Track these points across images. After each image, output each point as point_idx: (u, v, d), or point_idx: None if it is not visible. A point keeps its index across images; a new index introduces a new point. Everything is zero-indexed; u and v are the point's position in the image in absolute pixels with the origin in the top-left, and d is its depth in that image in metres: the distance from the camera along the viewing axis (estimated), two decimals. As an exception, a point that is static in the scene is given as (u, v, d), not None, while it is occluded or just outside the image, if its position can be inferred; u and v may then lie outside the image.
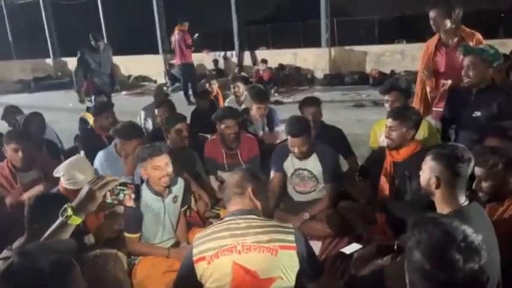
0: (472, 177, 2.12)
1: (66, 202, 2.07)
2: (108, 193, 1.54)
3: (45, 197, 2.21)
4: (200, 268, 1.81)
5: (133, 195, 1.56)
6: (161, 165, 2.54)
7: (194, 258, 1.82)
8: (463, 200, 1.86)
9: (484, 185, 2.12)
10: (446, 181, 1.86)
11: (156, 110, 4.47)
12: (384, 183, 2.81)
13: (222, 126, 3.55)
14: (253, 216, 1.86)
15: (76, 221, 1.45)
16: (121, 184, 1.56)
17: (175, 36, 9.51)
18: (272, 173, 3.31)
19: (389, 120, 2.73)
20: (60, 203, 1.96)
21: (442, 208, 1.88)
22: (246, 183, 1.93)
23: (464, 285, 1.14)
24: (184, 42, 9.31)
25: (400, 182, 2.73)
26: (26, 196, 3.12)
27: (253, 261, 1.76)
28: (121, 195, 1.56)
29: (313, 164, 3.15)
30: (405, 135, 2.69)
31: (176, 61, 9.84)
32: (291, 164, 3.21)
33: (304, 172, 3.19)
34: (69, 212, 1.44)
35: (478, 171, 2.13)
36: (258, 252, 1.76)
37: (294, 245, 1.79)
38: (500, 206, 2.14)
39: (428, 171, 1.94)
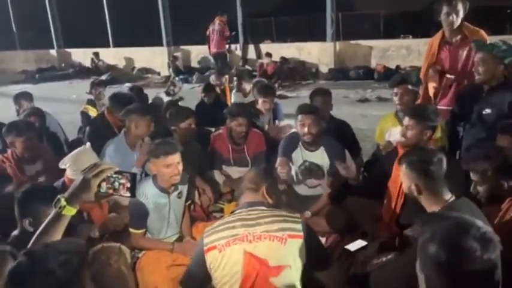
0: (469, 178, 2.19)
1: (54, 193, 2.07)
2: (104, 183, 1.48)
3: (31, 190, 2.11)
4: (211, 257, 1.85)
5: (128, 185, 1.50)
6: (174, 163, 2.52)
7: (205, 248, 1.86)
8: (448, 196, 1.93)
9: (480, 188, 2.18)
10: (425, 185, 1.95)
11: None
12: (394, 183, 2.76)
13: (234, 122, 3.49)
14: (263, 208, 1.94)
15: (70, 211, 1.40)
16: (116, 172, 1.50)
17: (214, 26, 10.45)
18: (279, 159, 3.26)
19: (406, 118, 2.65)
20: (49, 194, 1.92)
21: (431, 208, 1.94)
22: (261, 181, 2.01)
23: (482, 279, 1.11)
24: (222, 33, 10.41)
25: None
26: None
27: (264, 249, 1.81)
28: (116, 183, 1.50)
29: (321, 157, 3.16)
30: (421, 136, 2.59)
31: (212, 49, 10.74)
32: (300, 155, 3.21)
33: (312, 165, 3.19)
34: (62, 202, 1.39)
35: (473, 176, 2.19)
36: (268, 241, 1.81)
37: (302, 234, 1.84)
38: (498, 209, 2.14)
39: (406, 179, 2.03)
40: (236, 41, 12.78)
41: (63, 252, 1.10)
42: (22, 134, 3.26)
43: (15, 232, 2.10)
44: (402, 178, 2.07)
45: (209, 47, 10.97)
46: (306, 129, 3.04)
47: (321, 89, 4.03)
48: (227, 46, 11.20)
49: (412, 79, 3.44)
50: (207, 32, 10.74)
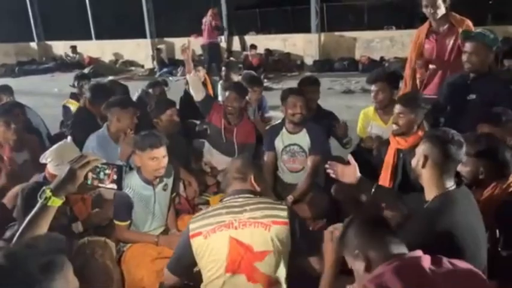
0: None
1: None
2: (90, 173, 1.48)
3: (38, 188, 2.08)
4: (196, 243, 1.88)
5: (114, 176, 1.50)
6: (159, 157, 2.50)
7: (191, 234, 1.89)
8: (450, 184, 1.83)
9: (464, 169, 2.17)
10: (434, 161, 1.83)
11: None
12: (386, 169, 2.78)
13: (227, 93, 3.59)
14: (250, 195, 1.97)
15: (56, 202, 1.40)
16: (103, 164, 1.50)
17: (207, 18, 10.54)
18: (266, 153, 3.37)
19: (398, 106, 2.70)
20: None
21: (430, 190, 1.85)
22: (248, 170, 2.04)
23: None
24: (212, 23, 10.44)
25: (402, 170, 2.71)
26: None
27: (248, 235, 1.85)
28: (101, 174, 1.50)
29: (303, 138, 3.24)
30: (413, 123, 2.67)
31: (204, 40, 10.66)
32: (281, 140, 3.29)
33: (294, 147, 3.26)
34: (48, 193, 1.39)
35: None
36: (253, 227, 1.86)
37: (287, 220, 1.88)
38: (480, 194, 2.15)
39: (419, 152, 1.93)
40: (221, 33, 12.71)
41: (44, 253, 1.07)
42: (7, 117, 3.26)
43: (14, 228, 2.05)
44: (416, 152, 1.96)
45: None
46: (298, 109, 3.13)
47: (309, 77, 4.02)
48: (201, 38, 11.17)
49: (390, 70, 3.45)
50: (202, 26, 10.76)
